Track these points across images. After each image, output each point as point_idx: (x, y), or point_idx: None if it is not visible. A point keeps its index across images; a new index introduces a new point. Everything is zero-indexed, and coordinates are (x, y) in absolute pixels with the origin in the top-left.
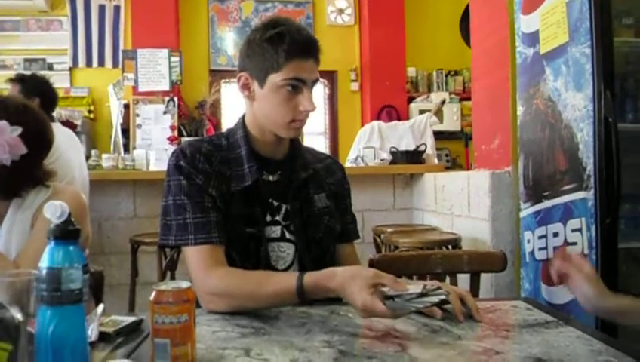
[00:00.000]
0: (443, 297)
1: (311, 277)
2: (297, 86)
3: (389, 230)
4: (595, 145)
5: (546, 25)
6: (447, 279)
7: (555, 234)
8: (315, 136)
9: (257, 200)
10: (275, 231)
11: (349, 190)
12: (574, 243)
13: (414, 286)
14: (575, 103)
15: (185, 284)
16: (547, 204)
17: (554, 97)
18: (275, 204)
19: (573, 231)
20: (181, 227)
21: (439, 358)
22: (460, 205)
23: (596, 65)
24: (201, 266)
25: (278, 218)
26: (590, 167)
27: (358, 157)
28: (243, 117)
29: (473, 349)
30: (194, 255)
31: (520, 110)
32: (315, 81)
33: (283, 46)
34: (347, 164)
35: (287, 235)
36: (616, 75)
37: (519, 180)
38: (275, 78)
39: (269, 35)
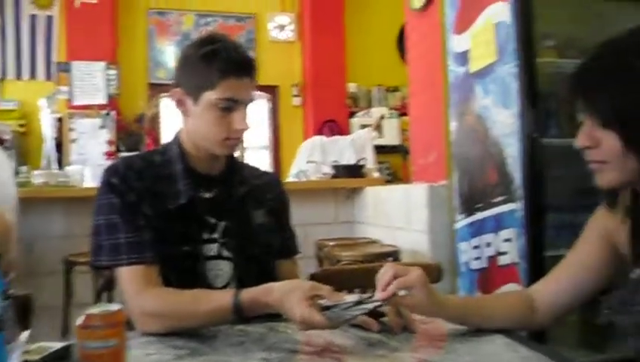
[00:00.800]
0: (378, 303)
1: (248, 294)
2: (231, 105)
3: (330, 243)
4: (521, 160)
5: (476, 45)
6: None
7: (488, 244)
8: (257, 151)
9: (193, 217)
10: (212, 249)
11: (287, 205)
12: (505, 253)
13: (351, 297)
14: (503, 120)
15: (114, 307)
16: (480, 215)
17: (483, 114)
18: (212, 221)
19: (504, 241)
20: (113, 247)
21: None
22: (399, 218)
23: (521, 84)
24: (135, 286)
25: (215, 235)
26: (518, 180)
27: (300, 171)
28: (179, 132)
29: (408, 361)
30: (127, 275)
31: (453, 126)
32: (250, 100)
33: (217, 64)
34: (289, 179)
35: (225, 253)
36: (540, 94)
37: (454, 193)
38: (209, 96)
39: (204, 52)
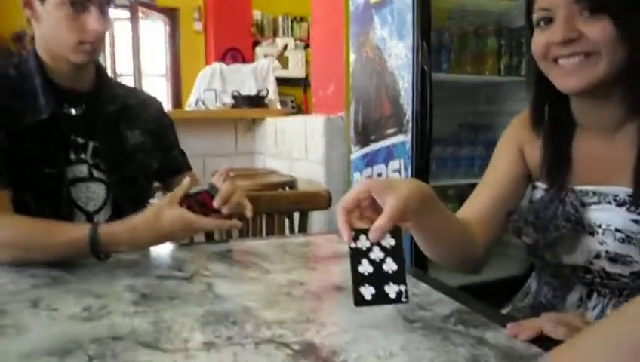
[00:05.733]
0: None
1: (106, 229)
2: (81, 3)
3: (230, 174)
4: (413, 92)
5: None
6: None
7: (379, 175)
8: (155, 78)
9: (56, 137)
10: (82, 170)
11: (171, 126)
12: None
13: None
14: (398, 52)
15: None
16: (373, 147)
17: (381, 46)
18: (80, 141)
19: (393, 171)
20: None
21: (244, 293)
22: (298, 149)
23: (416, 17)
24: None
25: (84, 156)
26: (409, 113)
27: (199, 100)
28: (34, 43)
29: (279, 282)
30: None
31: (352, 57)
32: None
33: None
34: (187, 108)
35: (96, 174)
36: (435, 29)
37: (351, 125)
38: None
39: None
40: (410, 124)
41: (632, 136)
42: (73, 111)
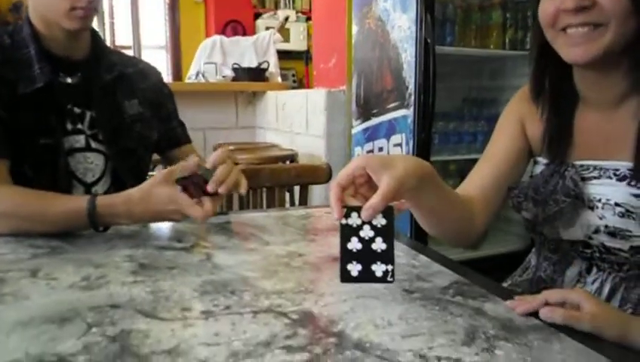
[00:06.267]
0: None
1: (104, 200)
2: None
3: (230, 148)
4: (416, 66)
5: None
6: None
7: (380, 149)
8: (154, 50)
9: (52, 106)
10: (79, 140)
11: (170, 96)
12: None
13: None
14: (401, 24)
15: None
16: (375, 121)
17: (384, 17)
18: (77, 110)
19: (395, 145)
20: None
21: (242, 263)
22: (299, 123)
23: None
24: None
25: (81, 126)
26: (412, 87)
27: (199, 73)
28: (28, 11)
29: (278, 253)
30: None
31: (355, 29)
32: None
33: None
34: (187, 80)
35: (94, 145)
36: (440, 1)
37: (352, 98)
38: None
39: None
40: (412, 97)
41: (634, 111)
42: (69, 80)
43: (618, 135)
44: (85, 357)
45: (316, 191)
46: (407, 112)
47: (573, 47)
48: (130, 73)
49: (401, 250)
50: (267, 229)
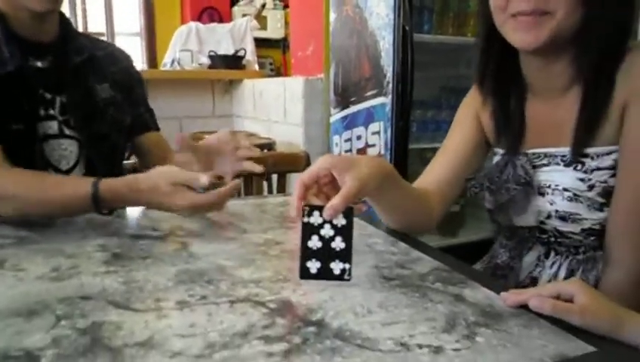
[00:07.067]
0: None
1: (108, 184)
2: None
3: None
4: (394, 53)
5: None
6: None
7: (359, 138)
8: (128, 37)
9: (23, 91)
10: (52, 127)
11: (139, 80)
12: (373, 145)
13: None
14: (379, 11)
15: None
16: (353, 109)
17: (361, 4)
18: (49, 96)
19: (373, 133)
20: None
21: (219, 252)
22: (276, 111)
23: None
24: None
25: (53, 112)
26: (390, 74)
27: (175, 60)
28: None
29: (255, 241)
30: None
31: (332, 17)
32: None
33: None
34: (162, 68)
35: (67, 131)
36: None
37: (330, 86)
38: None
39: None
40: (390, 85)
41: (577, 98)
42: (39, 64)
43: (564, 122)
44: (54, 351)
45: (294, 180)
46: (386, 100)
47: (522, 31)
48: (101, 56)
49: (379, 237)
50: (245, 217)
